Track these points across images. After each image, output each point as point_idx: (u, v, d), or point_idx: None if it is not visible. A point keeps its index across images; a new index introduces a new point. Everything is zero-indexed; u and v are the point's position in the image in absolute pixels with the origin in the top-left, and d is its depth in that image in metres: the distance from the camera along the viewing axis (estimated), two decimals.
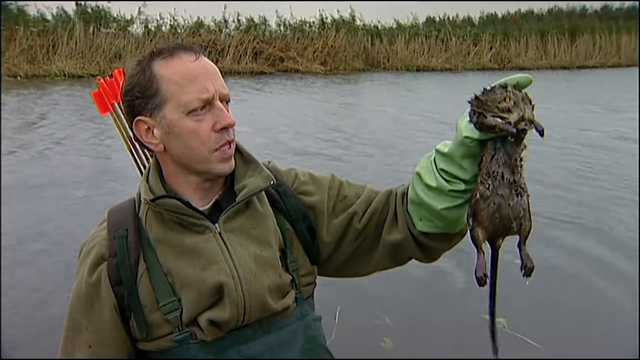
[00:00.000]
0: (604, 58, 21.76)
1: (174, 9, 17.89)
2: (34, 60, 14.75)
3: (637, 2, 21.20)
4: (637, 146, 6.82)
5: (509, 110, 0.81)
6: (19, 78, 13.80)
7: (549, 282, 3.30)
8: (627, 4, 24.04)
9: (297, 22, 18.13)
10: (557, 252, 3.87)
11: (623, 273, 3.53)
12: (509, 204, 0.85)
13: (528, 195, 0.87)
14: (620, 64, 21.59)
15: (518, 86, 0.85)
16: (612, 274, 3.54)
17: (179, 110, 0.95)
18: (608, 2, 24.67)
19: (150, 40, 16.09)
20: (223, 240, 0.99)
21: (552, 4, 23.26)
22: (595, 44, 21.79)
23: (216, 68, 1.00)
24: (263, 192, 1.06)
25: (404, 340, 2.75)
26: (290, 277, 1.04)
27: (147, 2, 16.55)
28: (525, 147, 0.85)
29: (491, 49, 20.25)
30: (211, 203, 1.03)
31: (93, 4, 16.02)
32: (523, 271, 0.86)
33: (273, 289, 1.00)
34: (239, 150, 1.06)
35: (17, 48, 14.59)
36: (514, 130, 0.80)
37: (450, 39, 19.76)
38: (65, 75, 14.38)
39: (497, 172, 0.84)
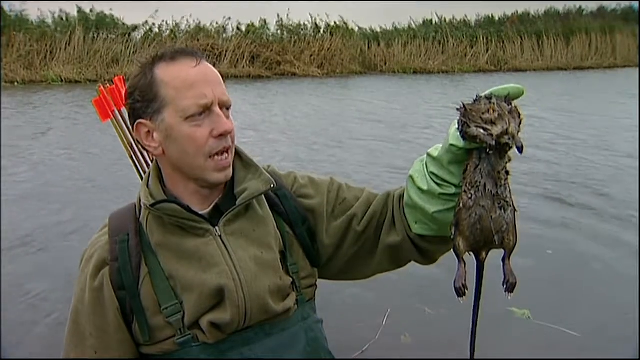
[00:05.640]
0: (600, 59, 21.81)
1: (172, 15, 17.80)
2: (31, 66, 14.74)
3: (633, 2, 21.25)
4: None
5: (492, 122, 0.80)
6: (16, 84, 13.79)
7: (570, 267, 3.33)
8: (623, 4, 24.14)
9: (294, 26, 18.17)
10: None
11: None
12: (491, 216, 0.84)
13: (515, 210, 0.86)
14: (616, 64, 21.65)
15: (509, 97, 0.83)
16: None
17: (178, 115, 0.96)
18: (604, 3, 24.72)
19: (149, 45, 16.10)
20: (223, 243, 1.00)
21: (548, 5, 23.31)
22: (591, 44, 21.86)
23: (218, 74, 1.01)
24: (263, 196, 1.07)
25: (425, 333, 2.71)
26: (291, 279, 1.05)
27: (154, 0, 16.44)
28: (510, 160, 0.84)
29: (488, 51, 20.30)
30: (211, 207, 1.04)
31: (97, 9, 15.99)
32: (505, 286, 0.86)
33: (274, 290, 1.01)
34: (238, 154, 1.07)
35: (15, 54, 14.58)
36: (493, 142, 0.80)
37: (448, 41, 19.81)
38: (62, 81, 14.37)
39: (480, 183, 0.84)
